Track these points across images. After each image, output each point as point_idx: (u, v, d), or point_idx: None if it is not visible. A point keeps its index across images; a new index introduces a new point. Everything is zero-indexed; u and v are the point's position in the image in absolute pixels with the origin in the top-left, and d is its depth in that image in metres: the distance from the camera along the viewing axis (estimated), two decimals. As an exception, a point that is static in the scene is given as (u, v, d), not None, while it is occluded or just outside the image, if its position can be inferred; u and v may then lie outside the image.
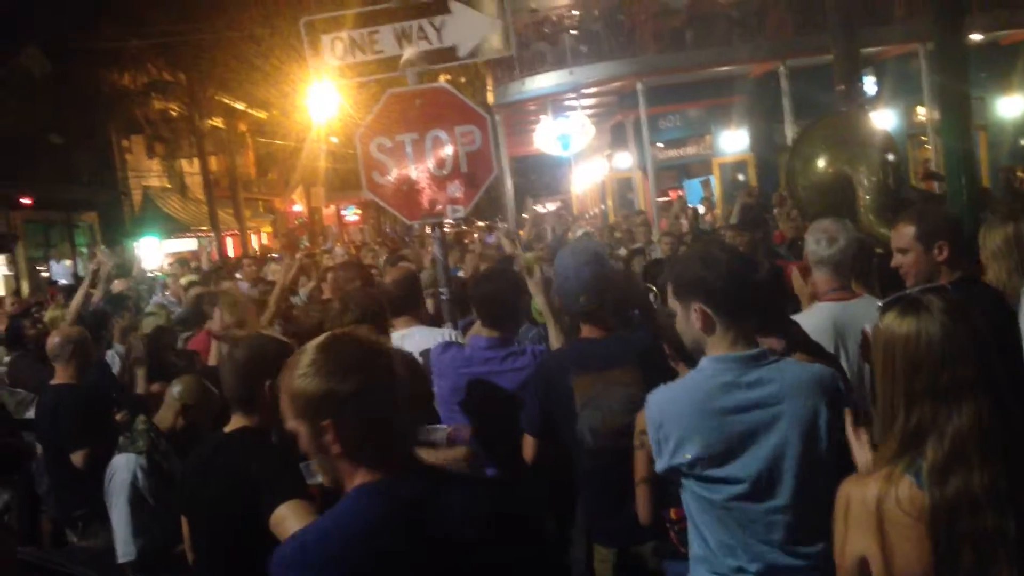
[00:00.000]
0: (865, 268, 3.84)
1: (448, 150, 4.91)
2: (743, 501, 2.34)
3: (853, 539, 1.90)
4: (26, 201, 20.67)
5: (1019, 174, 13.20)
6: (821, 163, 6.72)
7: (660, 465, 2.43)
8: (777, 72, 16.34)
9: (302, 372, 1.82)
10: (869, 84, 15.14)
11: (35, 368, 6.11)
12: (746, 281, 2.43)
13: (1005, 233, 3.50)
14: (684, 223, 10.42)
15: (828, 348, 3.21)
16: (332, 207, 41.25)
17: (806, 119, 17.47)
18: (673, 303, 2.49)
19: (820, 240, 3.56)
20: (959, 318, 1.88)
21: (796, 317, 3.30)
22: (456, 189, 4.94)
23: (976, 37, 14.79)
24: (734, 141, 19.10)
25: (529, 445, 3.38)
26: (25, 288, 20.64)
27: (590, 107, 19.75)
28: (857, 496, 1.90)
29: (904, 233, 3.31)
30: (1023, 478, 1.79)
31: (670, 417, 2.39)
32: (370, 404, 1.79)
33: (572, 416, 3.20)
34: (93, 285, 8.02)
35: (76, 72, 21.26)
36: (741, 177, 18.92)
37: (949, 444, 1.81)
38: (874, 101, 14.63)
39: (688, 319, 2.42)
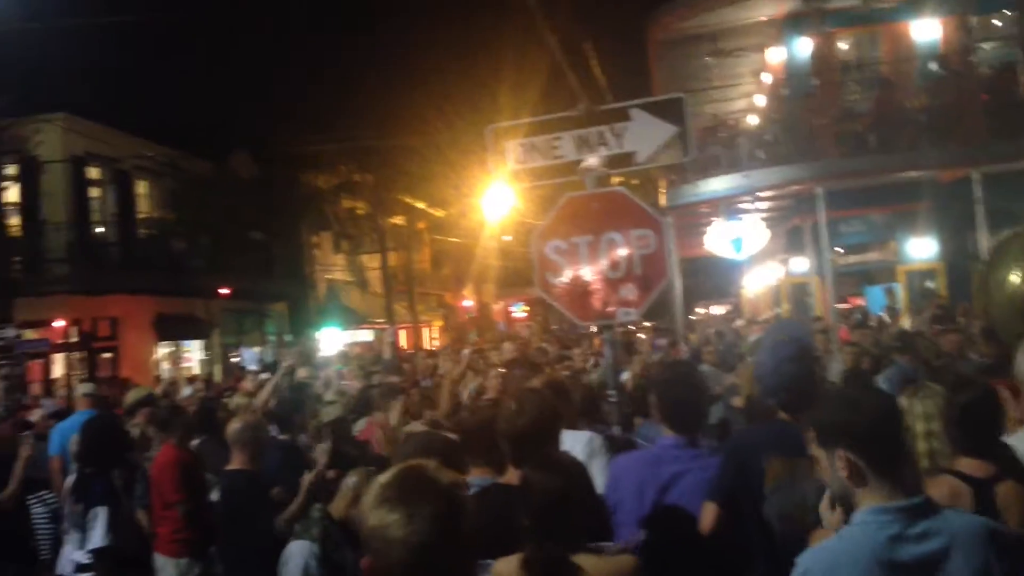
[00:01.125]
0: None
1: (622, 252, 4.92)
2: None
3: None
4: (225, 291, 22.37)
5: None
6: (1019, 279, 6.15)
7: None
8: (969, 178, 15.51)
9: None
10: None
11: (220, 453, 6.42)
12: (897, 422, 2.26)
13: None
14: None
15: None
16: (501, 303, 42.19)
17: (1002, 229, 16.44)
18: (816, 450, 2.30)
19: None
20: None
21: (1009, 440, 3.02)
22: (629, 291, 4.92)
23: None
24: (921, 248, 18.13)
25: (710, 512, 3.26)
26: (217, 372, 22.15)
27: (765, 210, 19.41)
28: None
29: None
30: None
31: None
32: None
33: (759, 496, 3.07)
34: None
35: (278, 175, 23.19)
36: (930, 284, 17.89)
37: None
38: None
39: (833, 467, 2.23)
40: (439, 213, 31.21)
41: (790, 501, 2.99)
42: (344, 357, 15.10)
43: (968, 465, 2.98)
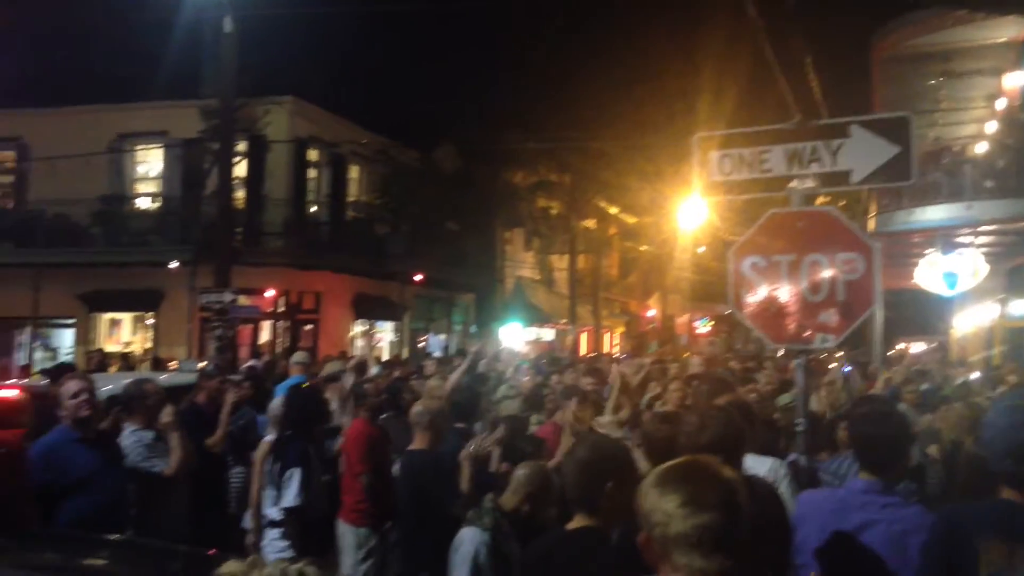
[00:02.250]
0: None
1: (826, 276, 4.68)
2: None
3: None
4: (418, 278, 23.30)
5: None
6: None
7: None
8: None
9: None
10: None
11: (402, 432, 6.67)
12: None
13: None
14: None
15: None
16: (685, 316, 41.43)
17: None
18: None
19: None
20: None
21: None
22: (829, 317, 4.68)
23: None
24: None
25: None
26: (404, 355, 23.13)
27: (985, 245, 17.96)
28: None
29: None
30: None
31: None
32: None
33: None
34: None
35: (480, 169, 23.86)
36: None
37: None
38: None
39: None
40: (631, 220, 31.05)
41: None
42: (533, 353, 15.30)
43: None
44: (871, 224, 18.35)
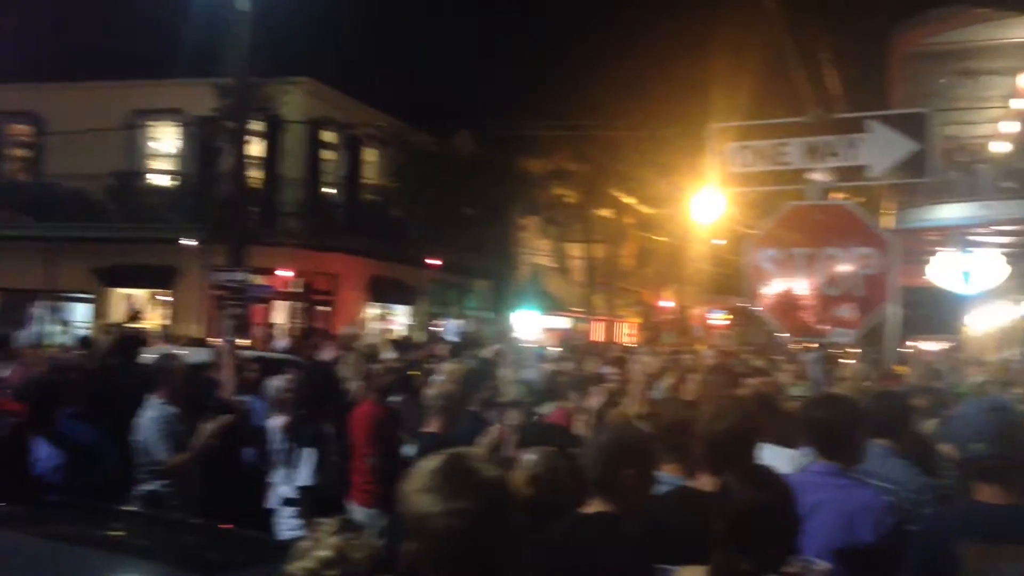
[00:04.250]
0: None
1: (843, 270, 4.70)
2: None
3: None
4: (434, 262, 23.34)
5: None
6: None
7: None
8: None
9: None
10: None
11: (417, 413, 6.70)
12: None
13: None
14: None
15: None
16: (701, 308, 41.33)
17: None
18: None
19: None
20: None
21: None
22: (846, 311, 4.70)
23: None
24: None
25: None
26: (419, 339, 23.19)
27: (1002, 245, 17.84)
28: None
29: None
30: None
31: None
32: None
33: None
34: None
35: (496, 155, 23.86)
36: None
37: None
38: None
39: None
40: (648, 210, 31.00)
41: None
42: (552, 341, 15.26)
43: None
44: (887, 221, 18.25)
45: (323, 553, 1.90)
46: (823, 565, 2.69)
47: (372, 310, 23.80)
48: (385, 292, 23.68)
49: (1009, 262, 17.35)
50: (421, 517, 1.77)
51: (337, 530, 1.93)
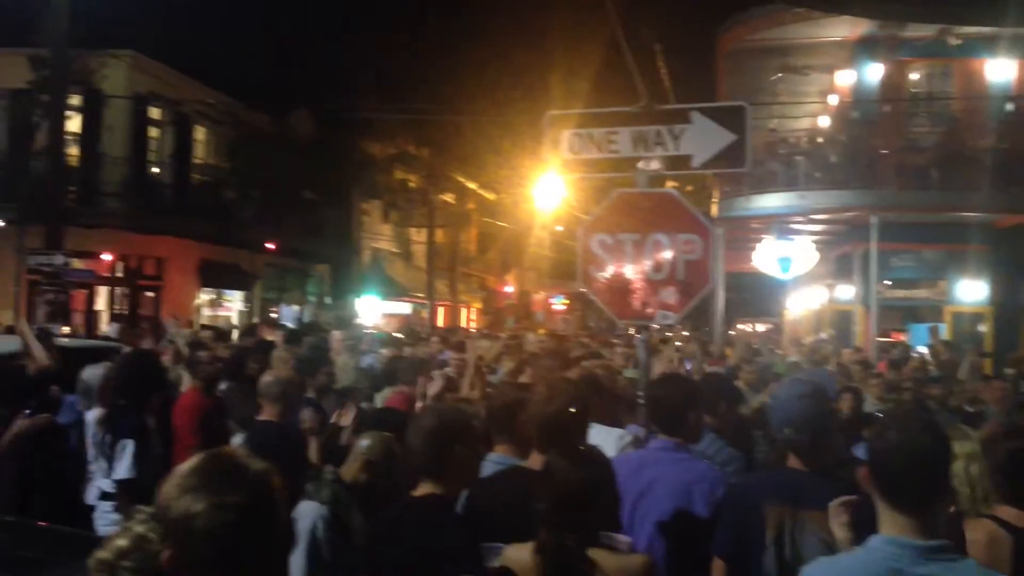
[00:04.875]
0: None
1: (667, 255, 4.88)
2: None
3: None
4: (271, 246, 22.64)
5: None
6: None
7: None
8: (1028, 226, 15.19)
9: None
10: None
11: (247, 402, 6.46)
12: (929, 461, 2.24)
13: None
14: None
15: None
16: (542, 293, 42.19)
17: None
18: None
19: None
20: None
21: None
22: (670, 295, 4.88)
23: None
24: (972, 291, 17.78)
25: (718, 570, 3.20)
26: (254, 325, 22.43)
27: (817, 233, 19.16)
28: None
29: None
30: None
31: None
32: None
33: (761, 547, 3.02)
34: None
35: (335, 138, 23.37)
36: (982, 329, 17.55)
37: None
38: None
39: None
40: (491, 196, 31.26)
41: (788, 553, 2.96)
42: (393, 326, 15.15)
43: (1009, 513, 2.95)
44: (714, 209, 19.19)
45: (120, 543, 1.83)
46: (623, 539, 2.80)
47: (204, 295, 22.85)
48: (217, 277, 22.76)
49: (819, 249, 18.65)
50: (182, 518, 1.64)
51: (145, 520, 1.84)
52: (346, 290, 26.49)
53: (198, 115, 21.99)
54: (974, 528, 2.91)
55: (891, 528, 2.23)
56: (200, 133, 22.83)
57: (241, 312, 24.31)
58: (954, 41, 16.92)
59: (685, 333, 23.54)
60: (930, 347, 14.54)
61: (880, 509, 2.27)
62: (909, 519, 2.21)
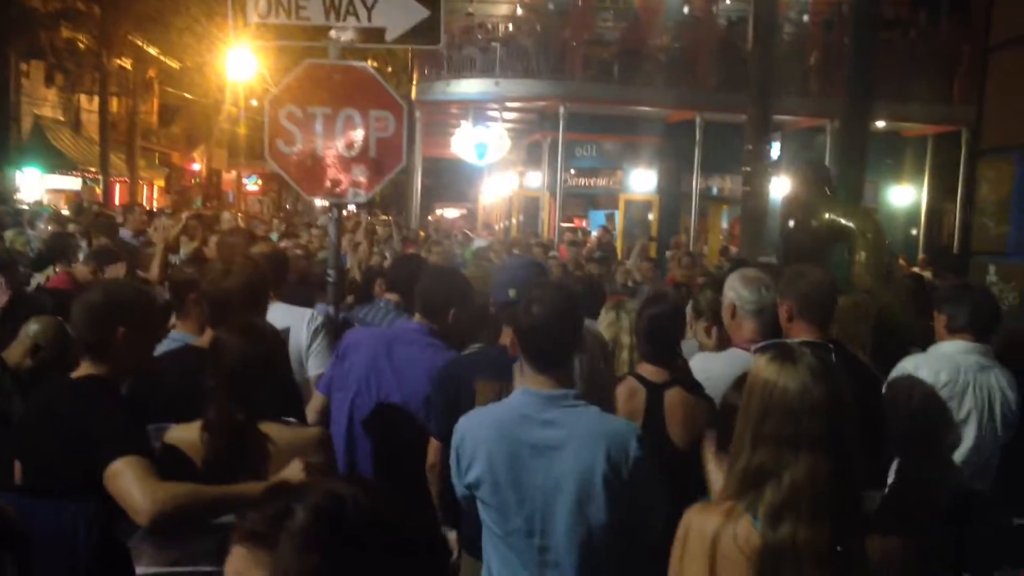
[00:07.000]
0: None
1: (359, 132, 4.79)
2: (519, 537, 2.47)
3: (687, 568, 1.94)
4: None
5: (901, 263, 13.78)
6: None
7: (458, 486, 2.60)
8: (694, 121, 16.82)
9: None
10: (775, 149, 15.70)
11: None
12: (558, 335, 2.53)
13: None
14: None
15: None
16: (233, 173, 40.05)
17: (711, 171, 18.11)
18: None
19: (748, 288, 3.55)
20: (821, 376, 1.92)
21: (709, 358, 3.58)
22: (361, 173, 4.82)
23: (880, 124, 15.56)
24: (643, 181, 19.50)
25: (434, 450, 3.22)
26: None
27: (511, 121, 19.84)
28: (696, 527, 1.95)
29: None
30: (846, 539, 1.85)
31: (471, 437, 2.53)
32: None
33: None
34: None
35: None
36: (652, 217, 19.36)
37: (785, 492, 1.86)
38: (776, 166, 15.14)
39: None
40: (174, 64, 28.66)
41: None
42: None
43: (648, 370, 3.31)
44: (415, 93, 19.14)
45: None
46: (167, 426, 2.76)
47: None
48: None
49: (512, 137, 19.39)
50: None
51: None
52: (3, 161, 23.37)
53: None
54: (621, 385, 3.28)
55: (531, 383, 2.53)
56: None
57: None
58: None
59: (384, 216, 23.70)
60: (600, 229, 15.92)
61: (524, 369, 2.56)
62: (544, 376, 2.52)
